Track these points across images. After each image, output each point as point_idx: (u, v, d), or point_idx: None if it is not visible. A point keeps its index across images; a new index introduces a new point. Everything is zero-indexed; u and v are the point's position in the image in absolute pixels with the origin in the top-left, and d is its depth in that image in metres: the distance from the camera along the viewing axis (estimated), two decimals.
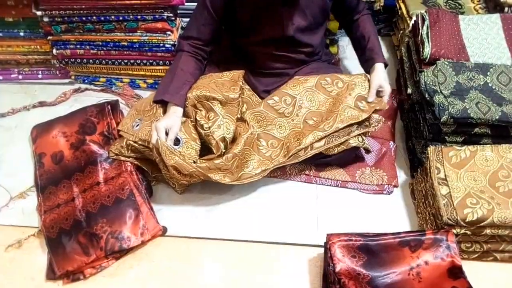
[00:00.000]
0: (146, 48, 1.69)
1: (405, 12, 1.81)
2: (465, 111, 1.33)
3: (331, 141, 1.40)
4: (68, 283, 1.27)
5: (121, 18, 1.62)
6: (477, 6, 1.78)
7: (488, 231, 1.20)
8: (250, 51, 1.51)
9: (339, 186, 1.49)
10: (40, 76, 1.84)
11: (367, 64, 1.53)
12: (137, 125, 1.43)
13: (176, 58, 1.48)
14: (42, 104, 1.75)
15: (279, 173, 1.50)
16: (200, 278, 1.29)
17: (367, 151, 1.52)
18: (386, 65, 1.52)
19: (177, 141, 1.36)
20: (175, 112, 1.37)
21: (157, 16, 1.62)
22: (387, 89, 1.47)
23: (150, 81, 1.80)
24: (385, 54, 1.99)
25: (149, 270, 1.30)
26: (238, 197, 1.46)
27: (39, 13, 1.61)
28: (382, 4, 1.94)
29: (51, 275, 1.28)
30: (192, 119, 1.41)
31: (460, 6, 1.78)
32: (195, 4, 1.47)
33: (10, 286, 1.27)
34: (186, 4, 1.66)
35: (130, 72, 1.78)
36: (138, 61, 1.74)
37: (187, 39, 1.46)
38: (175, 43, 1.66)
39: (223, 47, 1.57)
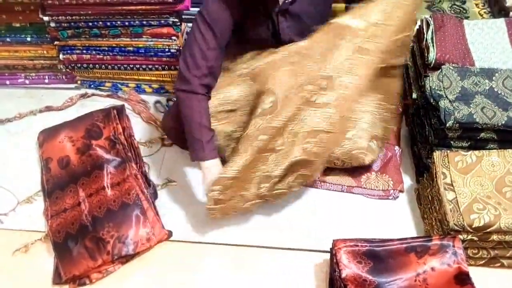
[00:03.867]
0: (152, 53, 1.70)
1: None
2: (471, 116, 1.32)
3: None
4: (74, 287, 1.28)
5: (126, 23, 1.63)
6: (482, 10, 1.78)
7: (495, 237, 1.20)
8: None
9: (345, 191, 1.49)
10: (46, 81, 1.85)
11: None
12: None
13: (187, 104, 1.31)
14: (48, 109, 1.76)
15: None
16: (205, 283, 1.29)
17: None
18: None
19: None
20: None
21: (162, 22, 1.62)
22: None
23: (155, 86, 1.80)
24: None
25: (155, 275, 1.31)
26: None
27: (46, 18, 1.61)
28: None
29: (58, 279, 1.28)
30: None
31: (465, 11, 1.78)
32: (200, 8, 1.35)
33: None
34: (191, 9, 1.67)
35: (136, 77, 1.78)
36: (144, 66, 1.74)
37: (195, 76, 1.29)
38: (180, 48, 1.67)
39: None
